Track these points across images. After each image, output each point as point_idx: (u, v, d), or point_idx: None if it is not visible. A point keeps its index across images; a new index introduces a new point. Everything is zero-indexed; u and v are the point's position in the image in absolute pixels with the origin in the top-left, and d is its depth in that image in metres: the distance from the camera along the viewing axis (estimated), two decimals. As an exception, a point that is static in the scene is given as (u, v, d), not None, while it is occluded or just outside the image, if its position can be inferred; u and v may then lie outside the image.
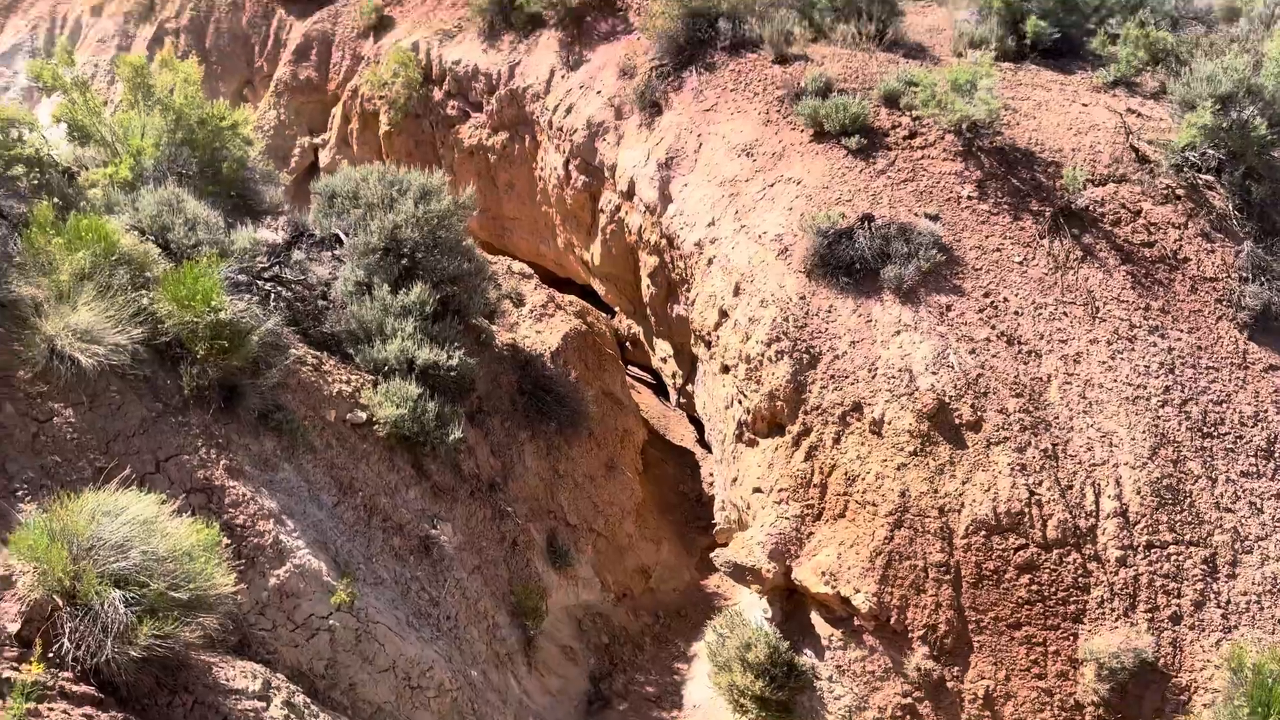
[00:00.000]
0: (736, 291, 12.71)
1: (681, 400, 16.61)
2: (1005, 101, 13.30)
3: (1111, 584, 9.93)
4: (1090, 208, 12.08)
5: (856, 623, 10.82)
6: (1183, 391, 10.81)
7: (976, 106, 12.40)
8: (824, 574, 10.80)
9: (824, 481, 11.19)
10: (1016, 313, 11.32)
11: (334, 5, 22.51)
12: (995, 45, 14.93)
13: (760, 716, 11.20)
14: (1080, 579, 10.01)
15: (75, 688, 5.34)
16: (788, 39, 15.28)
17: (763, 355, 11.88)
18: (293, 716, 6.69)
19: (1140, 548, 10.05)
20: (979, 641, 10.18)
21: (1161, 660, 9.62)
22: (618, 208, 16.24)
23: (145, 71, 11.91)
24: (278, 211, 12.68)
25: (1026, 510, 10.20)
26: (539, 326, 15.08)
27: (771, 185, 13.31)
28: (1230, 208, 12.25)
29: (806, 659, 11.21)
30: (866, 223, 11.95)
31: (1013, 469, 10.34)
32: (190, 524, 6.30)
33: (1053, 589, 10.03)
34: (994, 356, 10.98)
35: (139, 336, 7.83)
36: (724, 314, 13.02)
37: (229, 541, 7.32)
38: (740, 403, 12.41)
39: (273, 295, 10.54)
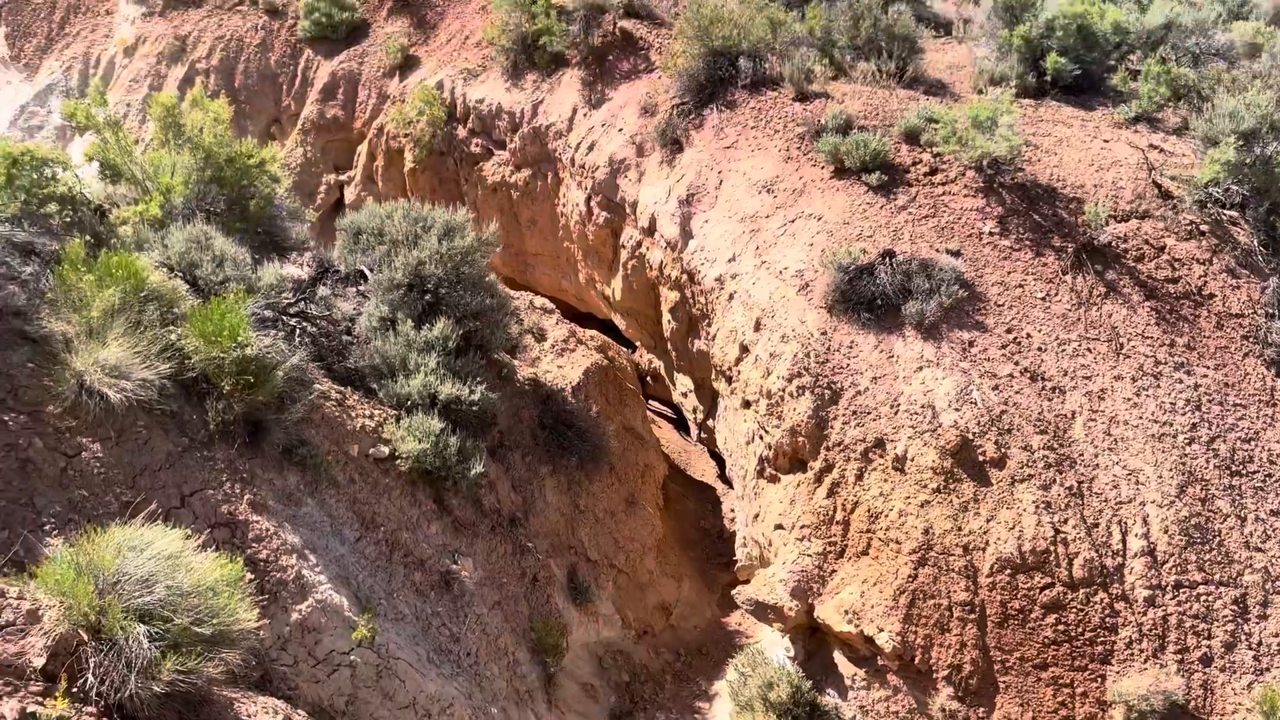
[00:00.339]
0: (757, 327, 12.73)
1: (702, 435, 16.58)
2: (1026, 138, 13.33)
3: (1140, 624, 9.78)
4: (1113, 244, 12.05)
5: (880, 662, 10.70)
6: (1210, 429, 10.70)
7: (998, 143, 12.44)
8: (847, 612, 10.70)
9: (847, 518, 11.12)
10: (1040, 349, 11.26)
11: (361, 45, 22.90)
12: (1015, 82, 14.99)
13: (782, 757, 11.06)
14: (1108, 619, 9.87)
15: (98, 723, 5.36)
16: (808, 77, 15.41)
17: (784, 391, 11.86)
18: (313, 753, 6.66)
19: (1169, 587, 9.90)
20: (1005, 682, 10.03)
21: (1192, 703, 9.45)
22: (639, 243, 16.34)
23: (176, 111, 12.13)
24: (304, 248, 12.82)
25: (1052, 549, 10.09)
26: (560, 361, 15.13)
27: (792, 221, 13.37)
28: (1255, 243, 12.20)
29: (829, 699, 11.07)
30: (888, 258, 11.96)
31: (1037, 507, 10.24)
32: (215, 559, 6.33)
33: (1080, 629, 9.89)
34: (1017, 393, 10.92)
35: (166, 372, 7.91)
36: (745, 349, 13.03)
37: (252, 576, 7.34)
38: (761, 438, 12.38)
39: (298, 331, 10.64)
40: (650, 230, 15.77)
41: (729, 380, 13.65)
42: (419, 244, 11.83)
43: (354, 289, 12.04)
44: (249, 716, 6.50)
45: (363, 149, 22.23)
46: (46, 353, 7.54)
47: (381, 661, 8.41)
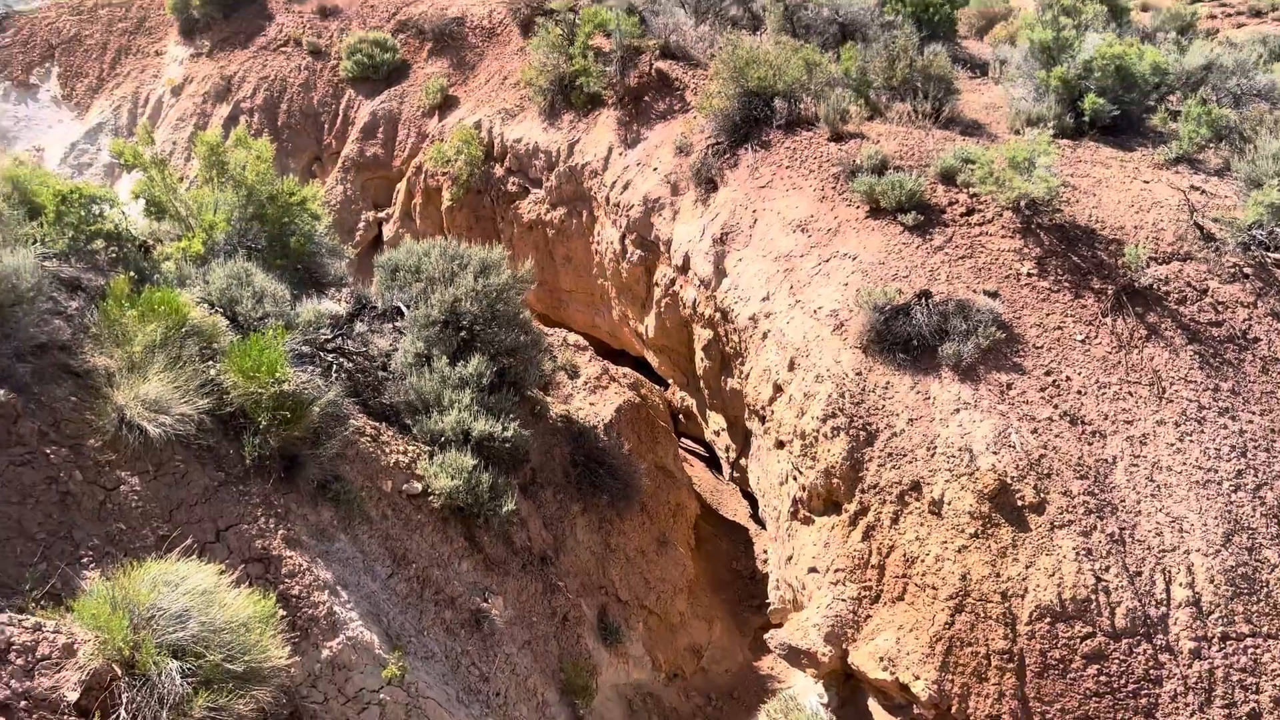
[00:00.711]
0: (791, 366, 12.66)
1: (735, 474, 16.47)
2: (1064, 179, 13.24)
3: (1185, 677, 9.50)
4: (1154, 286, 11.89)
5: (916, 711, 10.46)
6: (1256, 476, 10.44)
7: (1035, 184, 12.35)
8: (882, 659, 10.50)
9: (882, 562, 10.95)
10: (1080, 392, 11.09)
11: (401, 85, 23.34)
12: (1053, 122, 14.92)
13: (815, 807, 10.83)
14: (1152, 671, 9.60)
15: (129, 759, 5.36)
16: (843, 117, 15.44)
17: (818, 431, 11.76)
18: (341, 794, 6.62)
19: (1215, 639, 9.62)
20: (1045, 734, 9.76)
21: (1242, 761, 9.14)
22: (672, 281, 16.37)
23: (220, 149, 12.38)
24: (342, 284, 12.99)
25: (1093, 597, 9.85)
26: (593, 398, 15.13)
27: (827, 261, 13.33)
28: (1301, 287, 11.97)
29: (863, 747, 10.85)
30: (924, 299, 11.87)
31: (1078, 553, 10.02)
32: (248, 595, 6.35)
33: (1122, 680, 9.62)
34: (1057, 436, 10.74)
35: (205, 407, 8.01)
36: (778, 389, 12.96)
37: (284, 613, 7.35)
38: (795, 479, 12.26)
39: (334, 366, 10.74)
40: (684, 268, 15.80)
41: (762, 420, 13.56)
42: (455, 281, 11.93)
43: (390, 325, 12.15)
44: (278, 755, 6.47)
45: (401, 187, 22.57)
46: (89, 387, 7.66)
47: (411, 700, 8.36)
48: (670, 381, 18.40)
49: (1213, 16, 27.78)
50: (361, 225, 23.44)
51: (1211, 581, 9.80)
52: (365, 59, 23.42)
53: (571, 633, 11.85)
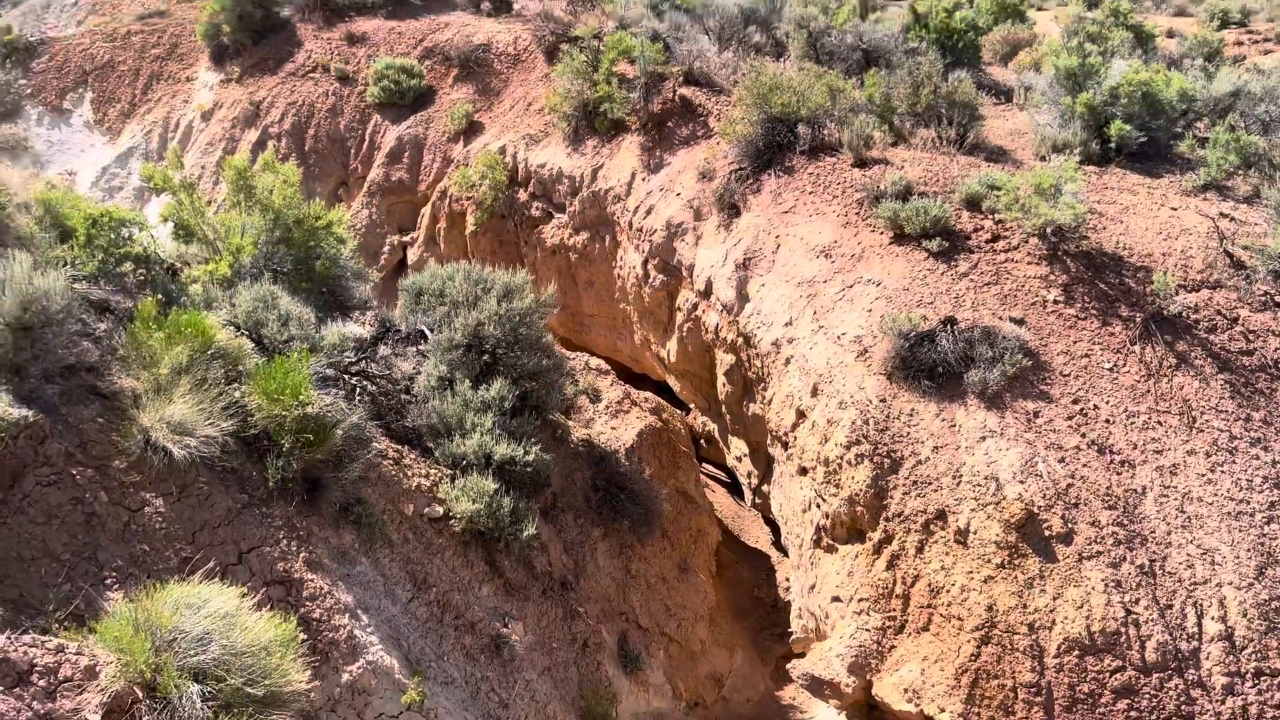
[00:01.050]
0: (815, 392, 12.58)
1: (757, 501, 16.35)
2: (1091, 205, 13.14)
3: (1218, 713, 9.29)
4: (1183, 314, 11.75)
5: (941, 744, 10.28)
6: (1290, 508, 10.25)
7: (1062, 210, 12.27)
8: (906, 690, 10.34)
9: (906, 592, 10.81)
10: (1108, 421, 10.95)
11: (427, 111, 23.56)
12: (1079, 149, 14.83)
13: (838, 841, 10.65)
14: (1184, 707, 9.39)
15: (148, 783, 5.33)
16: (867, 143, 15.43)
17: (842, 458, 11.66)
18: (359, 821, 6.56)
19: (1249, 675, 9.42)
20: (1074, 771, 9.56)
21: (1278, 801, 8.91)
22: (695, 306, 16.35)
23: (248, 174, 12.52)
24: (366, 307, 13.06)
25: (1123, 630, 9.67)
26: (614, 423, 15.10)
27: (850, 286, 13.28)
28: (1334, 315, 11.79)
29: (887, 781, 10.67)
30: (949, 325, 11.79)
31: (1107, 585, 9.85)
32: (269, 619, 6.33)
33: (1153, 716, 9.42)
34: (1085, 466, 10.60)
35: (229, 429, 8.04)
36: (801, 415, 12.87)
37: (305, 636, 7.32)
38: (818, 506, 12.15)
39: (358, 389, 10.77)
40: (706, 293, 15.79)
41: (785, 446, 13.47)
42: (479, 305, 11.97)
43: (414, 348, 12.19)
44: (296, 781, 6.42)
45: (426, 211, 22.73)
46: (116, 408, 7.71)
47: (430, 727, 8.30)
48: (692, 406, 18.34)
49: (1239, 43, 27.64)
50: (386, 249, 23.62)
51: (1244, 615, 9.60)
52: (392, 85, 23.68)
53: (591, 659, 11.75)
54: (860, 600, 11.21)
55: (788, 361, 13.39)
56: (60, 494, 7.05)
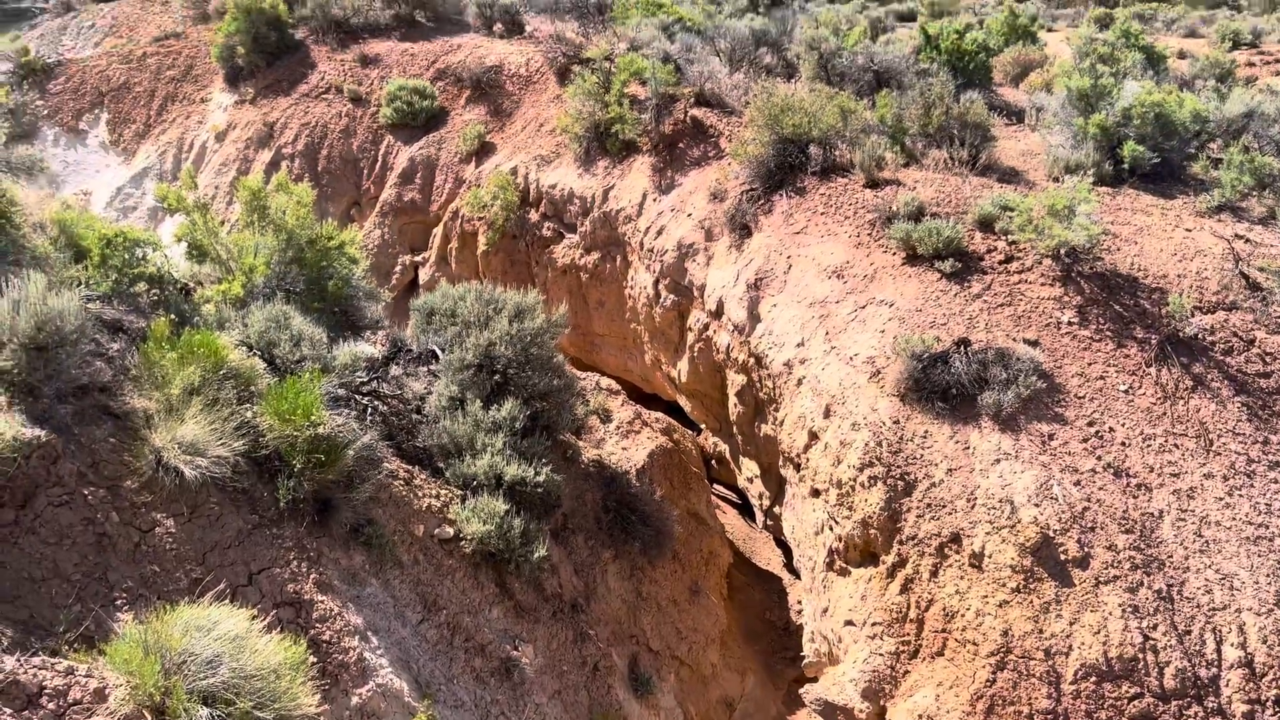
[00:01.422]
0: (827, 414, 12.51)
1: (768, 522, 16.25)
2: (1105, 226, 13.09)
3: (1240, 742, 9.14)
4: (1199, 336, 11.66)
5: (956, 771, 10.14)
6: (1311, 532, 10.12)
7: (1076, 232, 12.22)
8: (921, 716, 10.20)
9: (921, 616, 10.69)
10: (1124, 444, 10.85)
11: (439, 132, 23.69)
12: (1092, 170, 14.79)
13: None
14: (1204, 735, 9.24)
15: (156, 808, 5.28)
16: (879, 164, 15.42)
17: (855, 481, 11.57)
18: None
19: (1269, 703, 9.27)
20: (1092, 800, 9.41)
21: (1302, 832, 8.74)
22: (706, 326, 16.32)
23: (261, 194, 12.56)
24: (378, 327, 13.06)
25: (1141, 656, 9.54)
26: (625, 443, 15.03)
27: (863, 307, 13.23)
28: (1352, 338, 11.69)
29: (902, 808, 10.51)
30: (963, 347, 11.72)
31: (1124, 610, 9.72)
32: (279, 641, 6.27)
33: (1174, 745, 9.27)
34: (1101, 489, 10.49)
35: (240, 449, 8.01)
36: (814, 436, 12.80)
37: (314, 659, 7.27)
38: (831, 529, 12.06)
39: (369, 409, 10.75)
40: (718, 313, 15.75)
41: (797, 467, 13.39)
42: (490, 325, 11.95)
43: (425, 368, 12.17)
44: (305, 806, 6.35)
45: (438, 231, 22.80)
46: (128, 428, 7.70)
47: (439, 751, 8.22)
48: (703, 427, 18.27)
49: (1251, 64, 27.62)
50: (398, 269, 23.68)
51: (1265, 642, 9.46)
52: (404, 106, 23.82)
53: (602, 683, 11.65)
54: (874, 624, 11.09)
55: (800, 382, 13.33)
56: (72, 514, 7.03)
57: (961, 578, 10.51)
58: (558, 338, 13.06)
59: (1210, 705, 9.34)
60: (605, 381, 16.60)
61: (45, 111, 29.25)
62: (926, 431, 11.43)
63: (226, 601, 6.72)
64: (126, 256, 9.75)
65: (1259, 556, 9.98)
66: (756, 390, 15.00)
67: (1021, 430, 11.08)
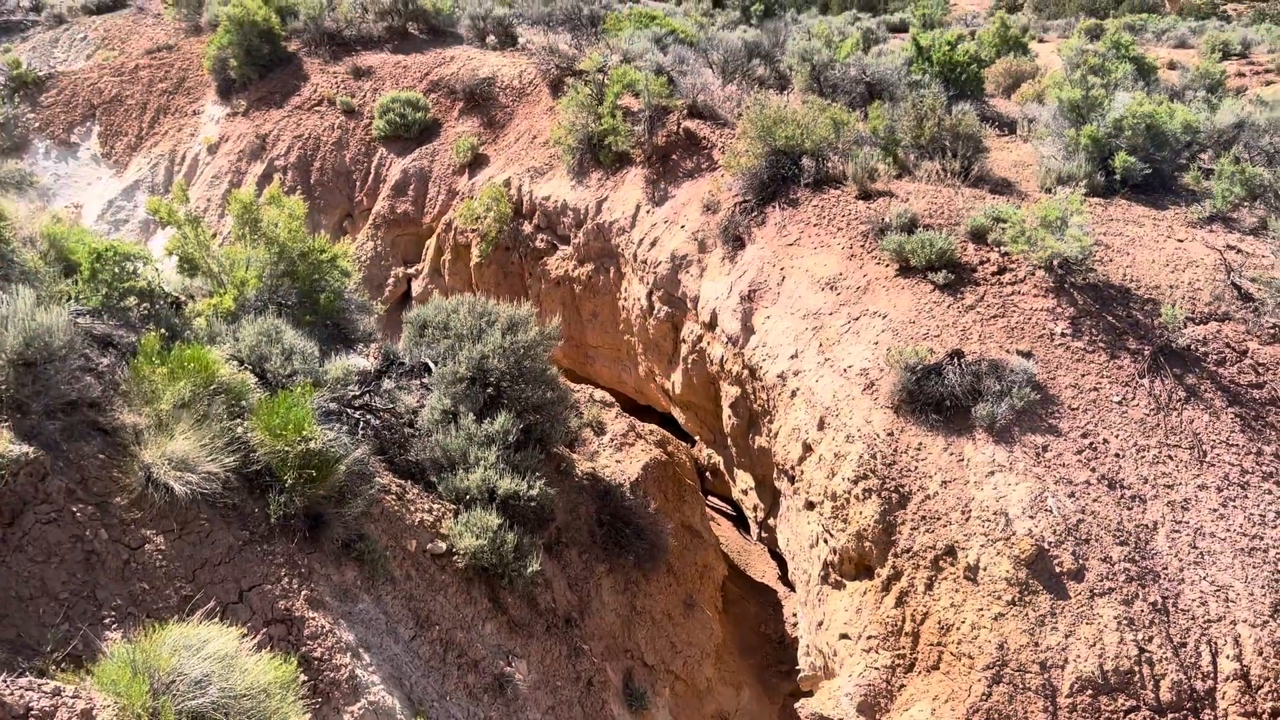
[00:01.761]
0: (821, 426, 12.49)
1: (763, 535, 16.21)
2: (1097, 237, 13.12)
3: (1237, 755, 9.11)
4: (1192, 347, 11.67)
5: (952, 786, 10.09)
6: (1305, 543, 10.11)
7: (1068, 243, 12.24)
8: (917, 730, 10.16)
9: (916, 630, 10.65)
10: (1118, 455, 10.84)
11: (432, 144, 23.67)
12: (1084, 181, 14.84)
13: None
14: (1201, 748, 9.21)
15: (144, 832, 5.20)
16: (871, 175, 15.44)
17: (849, 493, 11.54)
18: None
19: (1265, 715, 9.24)
20: (1089, 814, 9.37)
21: (1299, 846, 8.71)
22: (699, 338, 16.30)
23: (253, 207, 12.51)
24: (371, 340, 13.00)
25: (1136, 669, 9.51)
26: (619, 456, 14.98)
27: (856, 319, 13.22)
28: (1344, 348, 11.71)
29: (898, 823, 10.45)
30: (956, 359, 11.71)
31: (1120, 623, 9.70)
32: (269, 660, 6.21)
33: (1170, 758, 9.24)
34: (1095, 501, 10.48)
35: (231, 465, 7.95)
36: (808, 448, 12.77)
37: (305, 676, 7.20)
38: (826, 542, 12.02)
39: (361, 423, 10.69)
40: (711, 325, 15.74)
41: (791, 479, 13.35)
42: (483, 338, 11.91)
43: (418, 381, 12.12)
44: (296, 827, 6.27)
45: (431, 243, 22.77)
46: (117, 444, 7.63)
47: (432, 769, 8.15)
48: (697, 439, 18.24)
49: (1241, 74, 27.79)
50: (391, 281, 23.63)
51: (1260, 654, 9.44)
52: (397, 118, 23.81)
53: (596, 698, 11.57)
54: (869, 638, 11.05)
55: (794, 394, 13.31)
56: (60, 531, 6.96)
57: (956, 591, 10.48)
58: (551, 350, 13.02)
59: (1206, 718, 9.31)
60: (599, 394, 16.56)
61: (37, 124, 29.18)
62: (920, 444, 11.41)
63: (217, 619, 6.66)
64: (117, 271, 9.68)
65: (1254, 568, 9.96)
66: (750, 402, 14.98)
67: (1015, 442, 11.06)
